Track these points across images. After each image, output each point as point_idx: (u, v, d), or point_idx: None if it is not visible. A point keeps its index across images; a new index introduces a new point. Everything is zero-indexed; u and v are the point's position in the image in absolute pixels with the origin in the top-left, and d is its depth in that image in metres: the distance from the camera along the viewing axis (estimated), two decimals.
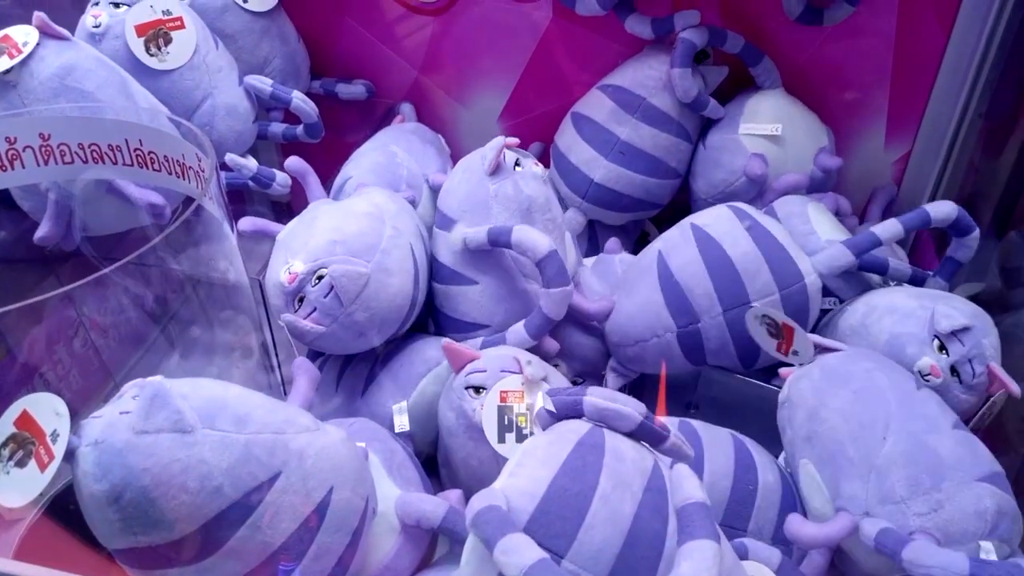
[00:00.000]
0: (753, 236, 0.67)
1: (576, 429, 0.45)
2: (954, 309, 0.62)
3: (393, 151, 0.83)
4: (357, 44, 0.94)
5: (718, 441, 0.61)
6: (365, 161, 0.81)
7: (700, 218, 0.70)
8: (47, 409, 0.43)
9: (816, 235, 0.73)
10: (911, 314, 0.63)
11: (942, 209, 0.67)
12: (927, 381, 0.61)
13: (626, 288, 0.71)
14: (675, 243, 0.69)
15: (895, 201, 0.88)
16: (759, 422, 0.65)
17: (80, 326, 0.72)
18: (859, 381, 0.57)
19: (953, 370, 0.60)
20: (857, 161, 0.87)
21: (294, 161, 0.72)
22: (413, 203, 0.77)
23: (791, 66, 0.83)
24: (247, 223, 0.67)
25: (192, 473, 0.43)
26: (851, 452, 0.55)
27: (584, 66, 0.89)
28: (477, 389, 0.59)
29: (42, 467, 0.42)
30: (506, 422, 0.57)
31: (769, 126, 0.81)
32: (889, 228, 0.67)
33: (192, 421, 0.44)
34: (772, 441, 0.64)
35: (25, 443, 0.43)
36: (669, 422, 0.61)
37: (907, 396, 0.56)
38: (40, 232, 0.66)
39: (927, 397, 0.56)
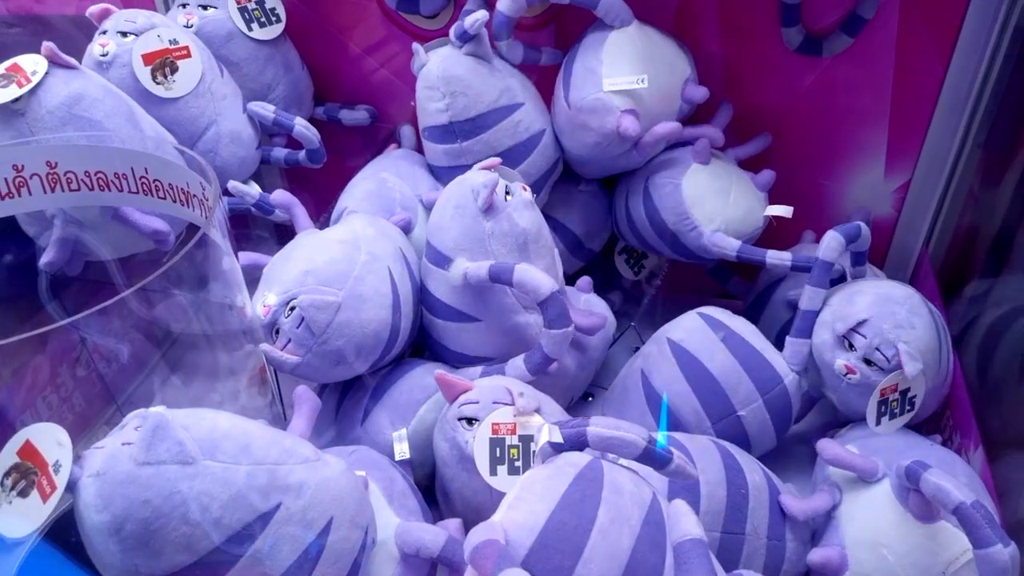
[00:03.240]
0: (728, 346, 0.69)
1: (575, 462, 0.46)
2: (851, 305, 0.67)
3: (383, 177, 0.83)
4: (360, 70, 0.95)
5: (706, 452, 0.62)
6: (357, 191, 0.82)
7: (675, 332, 0.72)
8: (50, 439, 0.44)
9: (699, 229, 0.79)
10: (823, 323, 0.69)
11: (832, 253, 0.70)
12: (849, 380, 0.66)
13: (615, 408, 0.73)
14: (655, 360, 0.71)
15: (869, 223, 0.88)
16: None
17: (83, 350, 0.72)
18: None
19: (869, 362, 0.65)
20: (857, 190, 0.87)
21: (280, 195, 0.73)
22: (409, 225, 0.77)
23: (791, 95, 0.84)
24: (243, 258, 0.68)
25: (193, 505, 0.43)
26: None
27: None
28: (470, 420, 0.59)
29: (44, 497, 0.43)
30: (498, 454, 0.58)
31: (633, 78, 0.76)
32: (816, 297, 0.70)
33: (194, 452, 0.44)
34: None
35: (28, 473, 0.43)
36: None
37: None
38: (46, 258, 0.66)
39: None
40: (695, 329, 0.71)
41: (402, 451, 0.64)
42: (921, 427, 0.74)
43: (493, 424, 0.58)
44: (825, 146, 0.86)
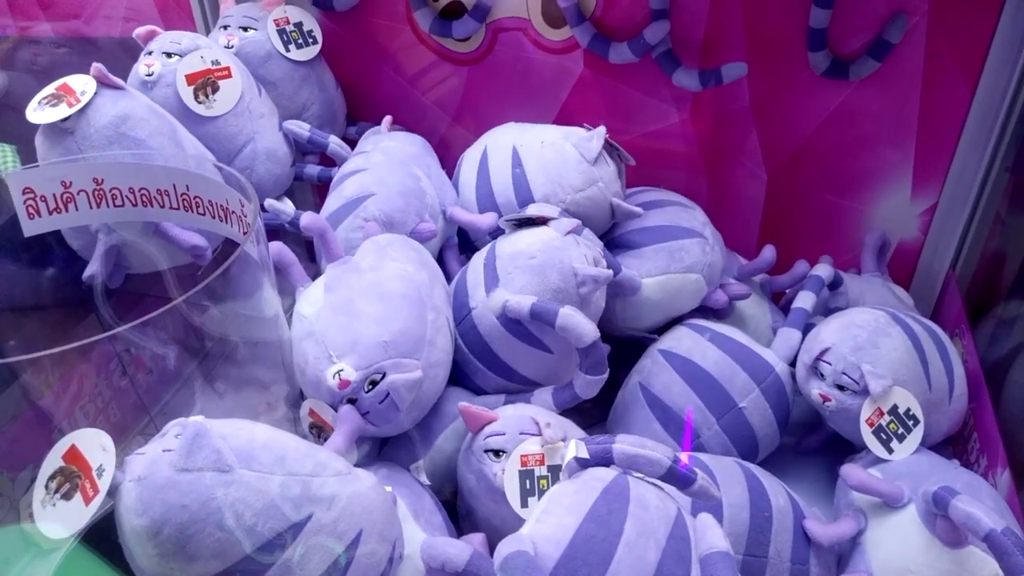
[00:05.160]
0: (717, 344, 0.72)
1: (601, 477, 0.46)
2: (816, 335, 0.69)
3: (417, 175, 0.79)
4: (393, 92, 0.97)
5: (730, 473, 0.62)
6: (392, 181, 0.76)
7: (664, 343, 0.74)
8: (94, 444, 0.45)
9: None
10: (799, 360, 0.71)
11: (825, 270, 0.79)
12: (829, 408, 0.68)
13: (620, 426, 0.73)
14: (650, 370, 0.73)
15: (887, 244, 0.88)
16: None
17: (119, 361, 0.74)
18: None
19: (842, 387, 0.67)
20: (883, 212, 0.88)
21: (310, 218, 0.68)
22: (433, 235, 0.75)
23: (817, 118, 0.85)
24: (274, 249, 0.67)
25: (228, 512, 0.44)
26: None
27: (612, 115, 0.91)
28: (497, 452, 0.59)
29: (87, 500, 0.44)
30: (527, 486, 0.57)
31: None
32: (807, 297, 0.76)
33: (230, 461, 0.45)
34: None
35: (72, 476, 0.45)
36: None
37: None
38: (88, 271, 0.68)
39: None
40: (682, 336, 0.74)
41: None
42: (948, 449, 0.74)
43: (522, 456, 0.58)
44: (851, 169, 0.86)
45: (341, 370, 0.59)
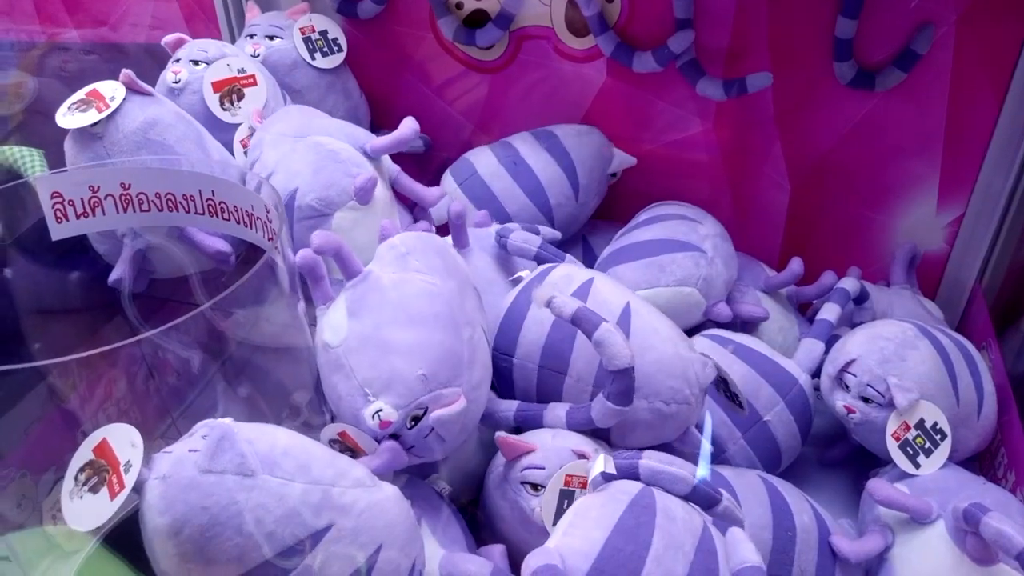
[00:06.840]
0: (741, 357, 0.71)
1: (628, 490, 0.46)
2: (842, 346, 0.69)
3: (317, 142, 0.72)
4: (417, 100, 0.97)
5: (753, 491, 0.62)
6: (298, 165, 0.70)
7: None
8: (124, 440, 0.45)
9: None
10: (824, 371, 0.70)
11: (852, 284, 0.78)
12: (853, 419, 0.67)
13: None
14: None
15: (917, 257, 0.88)
16: None
17: (143, 364, 0.75)
18: None
19: (867, 399, 0.66)
20: (909, 223, 0.87)
21: (323, 237, 0.60)
22: (373, 183, 0.70)
23: (843, 129, 0.84)
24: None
25: (248, 516, 0.44)
26: None
27: (635, 124, 0.91)
28: (535, 486, 0.58)
29: (112, 495, 0.44)
30: (565, 506, 0.56)
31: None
32: (832, 309, 0.76)
33: (254, 465, 0.45)
34: None
35: (100, 470, 0.45)
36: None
37: None
38: (114, 275, 0.69)
39: None
40: (706, 348, 0.71)
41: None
42: (974, 465, 0.73)
43: (566, 476, 0.57)
44: (877, 180, 0.86)
45: (380, 410, 0.55)
